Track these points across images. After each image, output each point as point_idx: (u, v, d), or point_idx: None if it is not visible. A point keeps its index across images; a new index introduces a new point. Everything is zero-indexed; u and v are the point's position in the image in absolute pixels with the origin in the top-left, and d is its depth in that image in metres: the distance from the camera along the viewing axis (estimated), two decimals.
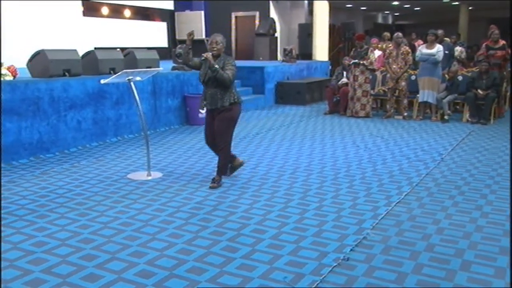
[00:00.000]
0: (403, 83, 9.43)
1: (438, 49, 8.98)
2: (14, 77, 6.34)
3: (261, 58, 14.89)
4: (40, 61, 6.83)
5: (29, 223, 4.04)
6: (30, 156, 6.26)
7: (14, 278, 3.08)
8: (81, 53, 7.60)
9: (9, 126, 6.00)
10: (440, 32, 9.96)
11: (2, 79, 6.08)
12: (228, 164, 5.30)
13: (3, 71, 6.14)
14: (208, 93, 5.05)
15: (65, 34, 11.26)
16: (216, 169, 5.20)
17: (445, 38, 11.09)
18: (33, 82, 6.35)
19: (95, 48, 8.78)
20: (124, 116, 7.71)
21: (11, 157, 6.04)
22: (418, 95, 9.41)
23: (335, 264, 3.27)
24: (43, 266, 3.26)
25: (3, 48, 7.28)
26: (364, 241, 3.67)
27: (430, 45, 9.10)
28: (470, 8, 18.23)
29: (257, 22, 16.15)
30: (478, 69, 9.46)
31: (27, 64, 6.97)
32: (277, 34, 15.82)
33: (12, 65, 6.40)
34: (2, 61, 6.26)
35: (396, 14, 25.53)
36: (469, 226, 3.98)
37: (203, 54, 4.97)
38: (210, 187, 5.00)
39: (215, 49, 5.00)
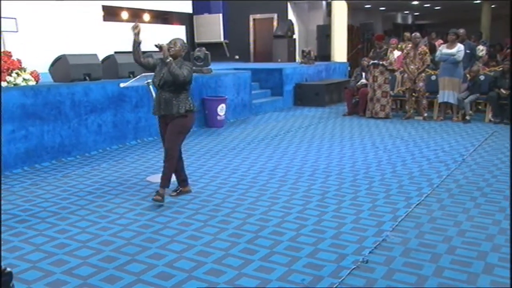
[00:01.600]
0: (421, 84, 9.32)
1: (458, 49, 8.86)
2: (37, 82, 6.46)
3: (279, 60, 14.89)
4: (61, 66, 6.94)
5: (51, 225, 4.10)
6: (52, 159, 6.37)
7: (36, 279, 3.13)
8: (101, 57, 7.70)
9: (32, 130, 6.11)
10: (461, 31, 9.82)
11: (25, 84, 6.20)
12: (171, 176, 4.77)
13: (26, 76, 6.26)
14: (162, 97, 4.61)
15: (86, 39, 11.41)
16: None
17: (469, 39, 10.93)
18: (55, 87, 6.45)
19: (115, 52, 8.88)
20: (143, 119, 7.78)
21: (34, 160, 6.14)
22: (438, 96, 9.30)
23: (354, 267, 3.25)
24: (64, 267, 3.30)
25: (26, 54, 7.41)
26: (383, 243, 3.64)
27: (450, 44, 8.98)
28: (492, 6, 17.92)
29: (275, 24, 16.15)
30: (501, 68, 9.30)
31: (49, 69, 7.09)
32: (295, 36, 15.80)
33: (35, 70, 6.53)
34: (25, 66, 6.38)
35: (415, 13, 25.25)
36: (492, 228, 3.91)
37: (158, 43, 4.63)
38: (154, 200, 4.55)
39: (172, 49, 4.58)
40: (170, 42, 4.68)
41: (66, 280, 3.12)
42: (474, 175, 5.50)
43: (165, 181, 4.66)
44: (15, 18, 10.12)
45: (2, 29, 9.80)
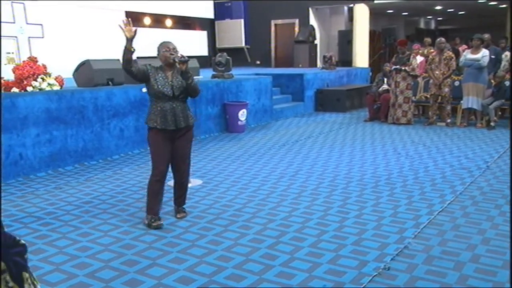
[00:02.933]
0: (446, 89, 9.20)
1: (483, 54, 8.73)
2: (61, 86, 6.58)
3: (300, 65, 14.87)
4: (85, 71, 7.05)
5: (74, 228, 4.16)
6: (75, 163, 6.46)
7: (60, 282, 3.17)
8: None
9: (56, 134, 6.21)
10: (486, 36, 9.68)
11: (50, 88, 6.31)
12: None
13: (51, 81, 6.38)
14: (178, 108, 4.09)
15: (109, 44, 11.58)
16: (177, 199, 4.45)
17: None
18: (79, 91, 6.56)
19: (138, 58, 8.98)
20: None
21: (58, 164, 6.24)
22: (462, 102, 9.17)
23: (375, 273, 3.21)
24: (87, 270, 3.34)
25: (51, 59, 7.56)
26: (405, 250, 3.59)
27: (475, 50, 8.86)
28: None
29: (296, 29, 16.15)
30: None
31: (73, 74, 7.21)
32: (317, 41, 15.77)
33: (60, 75, 6.64)
34: (50, 71, 6.50)
35: (439, 18, 24.97)
36: None
37: (179, 56, 4.09)
38: (180, 218, 4.38)
39: (174, 55, 4.10)
40: (167, 48, 4.14)
41: (89, 283, 3.16)
42: (499, 182, 5.40)
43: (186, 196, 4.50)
44: (41, 25, 10.34)
45: (28, 35, 10.03)
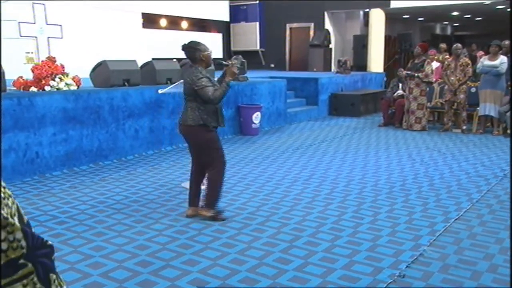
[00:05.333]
0: (462, 96, 9.12)
1: (501, 61, 8.64)
2: (78, 86, 6.63)
3: (315, 69, 14.84)
4: (102, 72, 7.10)
5: (88, 228, 4.18)
6: (90, 163, 6.50)
7: (74, 281, 3.19)
8: (140, 63, 7.85)
9: (72, 133, 6.26)
10: (506, 42, 9.57)
11: (67, 88, 6.37)
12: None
13: (69, 81, 6.43)
14: (220, 109, 4.38)
15: (126, 45, 11.68)
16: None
17: None
18: (95, 92, 6.61)
19: (153, 59, 9.03)
20: None
21: (73, 163, 6.29)
22: (478, 108, 9.07)
23: (390, 281, 3.18)
24: (101, 270, 3.36)
25: (69, 59, 7.64)
26: (420, 258, 3.55)
27: (492, 56, 8.77)
28: None
29: (311, 33, 16.13)
30: None
31: (90, 74, 7.26)
32: (332, 46, 15.74)
33: (77, 75, 6.70)
34: (68, 71, 6.56)
35: (455, 24, 24.78)
36: None
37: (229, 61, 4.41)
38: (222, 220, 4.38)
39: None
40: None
41: (103, 283, 3.17)
42: None
43: None
44: (60, 25, 10.46)
45: (48, 35, 10.15)
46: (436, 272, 3.32)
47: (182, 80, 5.60)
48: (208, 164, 4.35)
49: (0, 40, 7.96)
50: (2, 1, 8.07)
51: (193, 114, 4.20)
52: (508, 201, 4.94)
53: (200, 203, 4.47)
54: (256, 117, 8.98)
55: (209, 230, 4.12)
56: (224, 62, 4.39)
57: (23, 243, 0.85)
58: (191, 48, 4.22)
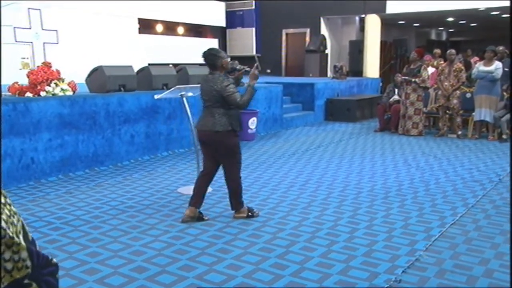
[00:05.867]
0: (455, 101, 9.16)
1: (496, 66, 8.68)
2: (74, 92, 6.62)
3: (311, 75, 14.88)
4: (98, 77, 7.10)
5: (84, 234, 4.16)
6: (85, 169, 6.49)
7: (69, 287, 3.17)
8: (136, 68, 7.85)
9: (68, 139, 6.25)
10: (501, 48, 9.62)
11: (63, 93, 6.36)
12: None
13: (64, 86, 6.43)
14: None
15: (122, 50, 11.67)
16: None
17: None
18: (91, 97, 6.60)
19: (149, 64, 9.04)
20: (175, 130, 7.87)
21: (68, 169, 6.27)
22: (473, 114, 9.11)
23: (386, 286, 3.18)
24: (96, 276, 3.34)
25: (65, 65, 7.63)
26: (416, 263, 3.56)
27: (488, 62, 8.81)
28: None
29: (307, 38, 16.18)
30: None
31: (86, 80, 7.26)
32: (328, 51, 15.80)
33: (72, 81, 6.69)
34: (63, 76, 6.56)
35: (450, 30, 24.91)
36: None
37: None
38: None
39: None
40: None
41: None
42: None
43: None
44: (56, 31, 10.45)
45: (44, 41, 10.14)
46: (432, 277, 3.32)
47: (178, 86, 5.62)
48: (228, 167, 4.49)
49: (0, 45, 7.92)
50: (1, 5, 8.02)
51: (221, 120, 4.31)
52: (504, 206, 4.96)
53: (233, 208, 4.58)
54: (252, 123, 8.98)
55: (205, 236, 4.11)
56: (237, 67, 4.67)
57: (28, 262, 0.84)
58: (212, 56, 4.34)
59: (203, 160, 4.60)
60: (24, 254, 0.83)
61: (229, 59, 4.43)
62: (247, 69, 4.62)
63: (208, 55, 4.33)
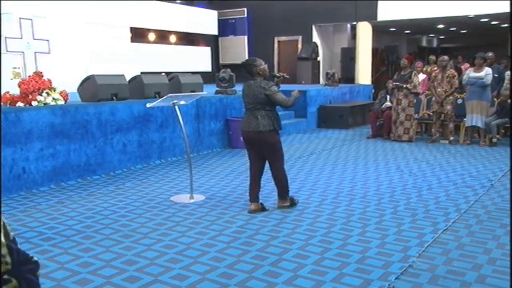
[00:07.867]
0: (449, 107, 9.22)
1: (486, 72, 8.76)
2: (66, 101, 6.60)
3: (303, 82, 14.93)
4: (90, 86, 7.08)
5: (75, 244, 4.13)
6: (77, 178, 6.45)
7: None
8: (128, 77, 7.84)
9: (60, 148, 6.21)
10: (490, 54, 9.71)
11: (55, 103, 6.33)
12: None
13: (56, 95, 6.40)
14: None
15: (114, 59, 11.66)
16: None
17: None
18: (83, 106, 6.58)
19: (142, 73, 9.04)
20: (168, 139, 7.85)
21: (60, 178, 6.24)
22: (465, 119, 9.17)
23: None
24: (88, 287, 3.31)
25: (56, 74, 7.61)
26: (409, 269, 3.56)
27: (478, 68, 8.89)
28: None
29: (299, 46, 16.25)
30: None
31: (78, 89, 7.23)
32: (320, 58, 15.87)
33: (64, 90, 6.67)
34: (55, 86, 6.53)
35: (441, 37, 25.13)
36: None
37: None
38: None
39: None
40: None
41: None
42: (504, 201, 5.36)
43: None
44: (47, 40, 10.42)
45: (35, 50, 10.11)
46: (425, 283, 3.32)
47: (170, 94, 5.62)
48: (273, 162, 5.02)
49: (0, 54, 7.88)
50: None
51: (263, 121, 4.86)
52: (495, 211, 4.98)
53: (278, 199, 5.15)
54: None
55: (197, 244, 4.10)
56: (277, 74, 5.57)
57: (8, 259, 0.85)
58: (248, 65, 4.94)
59: (250, 159, 5.10)
60: (4, 250, 0.84)
61: (264, 67, 4.94)
62: (286, 76, 5.46)
63: (245, 65, 4.95)
